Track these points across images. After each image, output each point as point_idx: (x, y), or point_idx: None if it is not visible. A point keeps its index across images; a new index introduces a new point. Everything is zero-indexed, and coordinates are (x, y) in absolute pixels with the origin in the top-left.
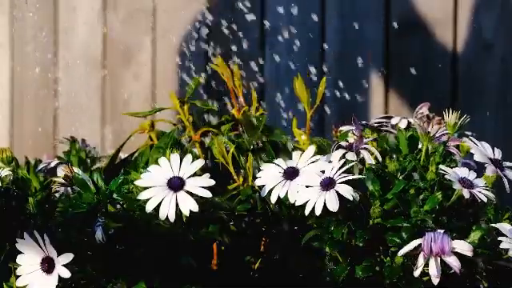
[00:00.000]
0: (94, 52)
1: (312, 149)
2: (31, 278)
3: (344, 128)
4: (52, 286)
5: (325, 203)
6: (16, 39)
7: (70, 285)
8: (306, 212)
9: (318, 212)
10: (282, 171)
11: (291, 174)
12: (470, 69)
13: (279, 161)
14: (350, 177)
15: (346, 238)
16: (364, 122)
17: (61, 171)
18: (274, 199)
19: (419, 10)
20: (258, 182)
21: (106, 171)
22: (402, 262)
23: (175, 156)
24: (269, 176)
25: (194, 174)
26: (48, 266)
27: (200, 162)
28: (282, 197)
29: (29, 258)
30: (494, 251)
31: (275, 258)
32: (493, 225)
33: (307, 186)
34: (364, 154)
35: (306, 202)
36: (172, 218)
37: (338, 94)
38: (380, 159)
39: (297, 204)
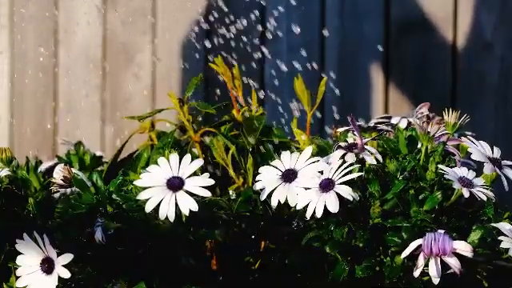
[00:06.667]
0: (94, 52)
1: (309, 150)
2: (31, 278)
3: (342, 129)
4: (52, 287)
5: (325, 204)
6: (16, 39)
7: (69, 285)
8: (308, 215)
9: (318, 214)
10: (280, 173)
11: (289, 176)
12: (470, 68)
13: (277, 163)
14: (349, 177)
15: (346, 239)
16: (361, 122)
17: (58, 172)
18: (274, 204)
19: (419, 10)
20: (257, 186)
21: (107, 172)
22: (402, 262)
23: (174, 156)
24: (267, 179)
25: (194, 174)
26: (48, 266)
27: (199, 162)
28: (282, 202)
29: (28, 259)
30: (494, 251)
31: (275, 259)
32: (493, 224)
33: (306, 188)
34: (363, 154)
35: (307, 205)
36: (171, 218)
37: (338, 94)
38: (380, 159)
39: (298, 207)
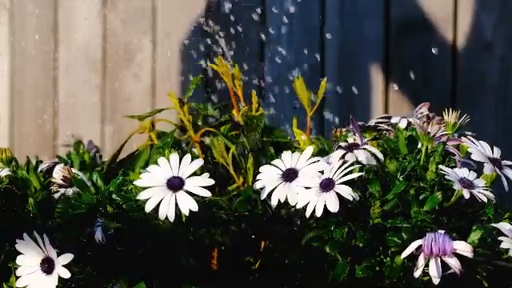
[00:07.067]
0: (94, 52)
1: (310, 149)
2: (31, 278)
3: (343, 129)
4: (52, 287)
5: (325, 204)
6: (16, 39)
7: (69, 285)
8: (307, 214)
9: (318, 214)
10: (281, 173)
11: (290, 175)
12: (470, 68)
13: (278, 162)
14: (349, 177)
15: (346, 239)
16: (362, 122)
17: (58, 172)
18: (274, 203)
19: (419, 10)
20: (257, 185)
21: (107, 172)
22: (402, 262)
23: (174, 156)
24: (268, 178)
25: (194, 174)
26: (48, 266)
27: (199, 162)
28: (282, 201)
29: (28, 259)
30: (494, 251)
31: (275, 259)
32: (493, 224)
33: (306, 188)
34: (364, 154)
35: (307, 204)
36: (171, 218)
37: (338, 94)
38: (382, 159)
39: (298, 206)
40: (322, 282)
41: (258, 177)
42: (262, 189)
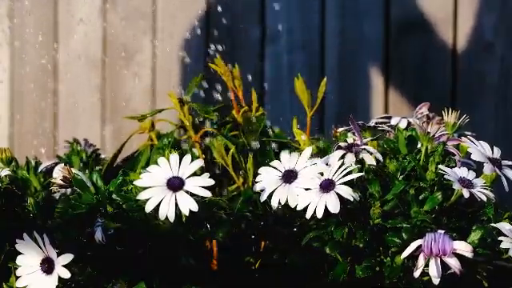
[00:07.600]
0: (94, 52)
1: (309, 150)
2: (31, 278)
3: (342, 129)
4: (52, 287)
5: (325, 205)
6: (16, 38)
7: (69, 285)
8: (308, 215)
9: (319, 215)
10: (281, 174)
11: (290, 176)
12: (470, 69)
13: (277, 163)
14: (350, 177)
15: (347, 239)
16: (361, 122)
17: (58, 172)
18: (274, 204)
19: (419, 10)
20: (257, 187)
21: (106, 172)
22: (402, 263)
23: (174, 156)
24: (267, 180)
25: (194, 174)
26: (48, 266)
27: (199, 162)
28: (282, 203)
29: (28, 259)
30: (494, 251)
31: (275, 258)
32: (493, 224)
33: (306, 189)
34: (363, 154)
35: (307, 205)
36: (171, 218)
37: (338, 94)
38: (381, 159)
39: (298, 208)
40: (322, 282)
41: (258, 178)
42: (262, 190)
